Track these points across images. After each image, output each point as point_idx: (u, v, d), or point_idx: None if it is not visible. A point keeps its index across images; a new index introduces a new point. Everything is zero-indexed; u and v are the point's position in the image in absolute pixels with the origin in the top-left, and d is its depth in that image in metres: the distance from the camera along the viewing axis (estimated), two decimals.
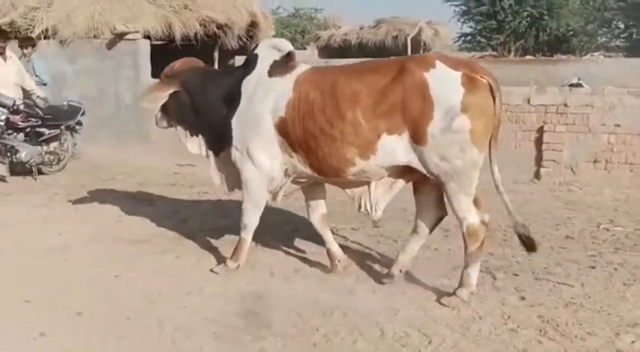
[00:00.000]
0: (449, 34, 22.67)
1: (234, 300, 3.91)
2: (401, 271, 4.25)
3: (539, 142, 7.34)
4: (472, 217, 3.80)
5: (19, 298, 3.86)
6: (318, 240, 5.09)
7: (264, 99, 4.09)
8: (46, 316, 3.65)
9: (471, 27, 28.64)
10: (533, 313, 3.75)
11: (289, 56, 4.24)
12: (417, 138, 3.72)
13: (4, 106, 7.19)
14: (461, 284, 3.91)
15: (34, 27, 8.88)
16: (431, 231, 4.24)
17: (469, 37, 29.11)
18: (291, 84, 4.05)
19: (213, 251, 4.85)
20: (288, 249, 4.90)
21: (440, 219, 4.20)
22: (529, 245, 3.93)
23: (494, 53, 24.79)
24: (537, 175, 7.33)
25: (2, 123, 7.15)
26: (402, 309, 3.78)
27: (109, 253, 4.78)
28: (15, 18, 8.99)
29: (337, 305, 3.81)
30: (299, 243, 5.07)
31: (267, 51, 4.28)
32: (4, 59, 7.83)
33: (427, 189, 4.05)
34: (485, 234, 3.90)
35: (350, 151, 3.85)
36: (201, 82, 4.43)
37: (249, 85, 4.20)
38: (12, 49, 8.06)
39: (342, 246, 4.95)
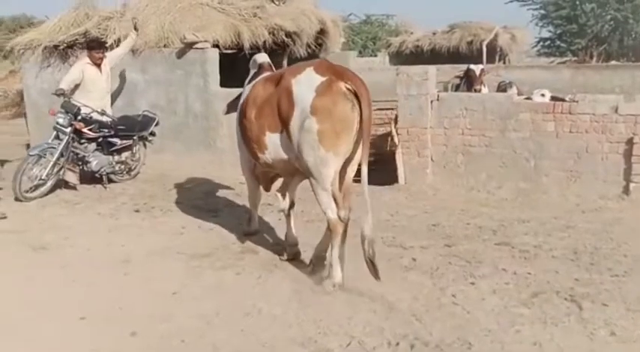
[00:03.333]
0: (526, 39, 21.74)
1: (292, 324, 3.67)
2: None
3: (628, 155, 6.72)
4: (331, 213, 4.17)
5: (74, 315, 3.78)
6: (389, 261, 4.81)
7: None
8: (100, 335, 3.55)
9: (550, 31, 27.59)
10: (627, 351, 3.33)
11: (260, 67, 5.14)
12: (287, 136, 4.28)
13: (67, 112, 7.26)
14: (328, 276, 4.26)
15: (107, 36, 8.98)
16: None
17: (548, 42, 28.03)
18: (249, 89, 4.86)
19: (276, 267, 4.64)
20: (354, 270, 4.58)
21: None
22: (372, 267, 3.99)
23: (575, 58, 23.70)
24: (626, 191, 6.71)
25: (67, 129, 7.21)
26: (477, 342, 3.43)
27: (169, 267, 4.67)
28: (89, 28, 9.13)
29: (404, 335, 3.51)
30: (364, 264, 4.77)
31: (251, 64, 5.33)
32: (100, 71, 7.97)
33: None
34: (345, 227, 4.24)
35: (252, 146, 4.67)
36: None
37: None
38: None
39: (407, 268, 4.65)
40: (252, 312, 3.83)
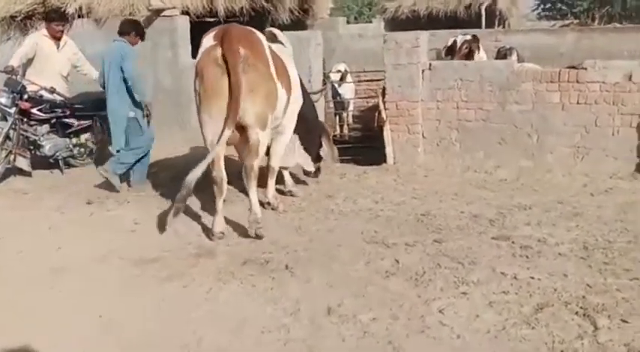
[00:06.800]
0: (527, 3, 20.84)
1: None
2: None
3: None
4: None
5: None
6: (367, 264, 4.09)
7: None
8: None
9: None
10: None
11: None
12: None
13: (12, 91, 6.45)
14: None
15: (67, 5, 8.14)
16: None
17: (549, 5, 27.21)
18: None
19: (232, 276, 3.90)
20: (320, 275, 3.89)
21: None
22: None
23: (578, 21, 22.85)
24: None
25: (9, 110, 6.39)
26: None
27: (105, 279, 3.92)
28: None
29: None
30: (338, 268, 4.07)
31: None
32: (58, 46, 7.10)
33: None
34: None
35: None
36: None
37: None
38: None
39: (389, 273, 3.93)
40: (191, 343, 3.09)
